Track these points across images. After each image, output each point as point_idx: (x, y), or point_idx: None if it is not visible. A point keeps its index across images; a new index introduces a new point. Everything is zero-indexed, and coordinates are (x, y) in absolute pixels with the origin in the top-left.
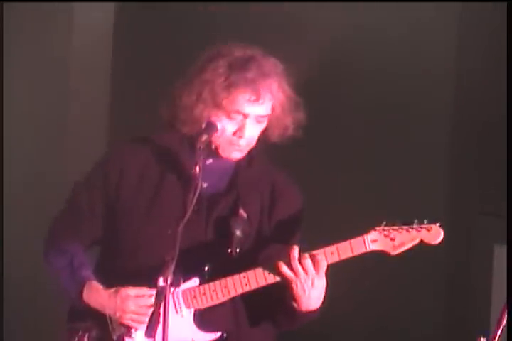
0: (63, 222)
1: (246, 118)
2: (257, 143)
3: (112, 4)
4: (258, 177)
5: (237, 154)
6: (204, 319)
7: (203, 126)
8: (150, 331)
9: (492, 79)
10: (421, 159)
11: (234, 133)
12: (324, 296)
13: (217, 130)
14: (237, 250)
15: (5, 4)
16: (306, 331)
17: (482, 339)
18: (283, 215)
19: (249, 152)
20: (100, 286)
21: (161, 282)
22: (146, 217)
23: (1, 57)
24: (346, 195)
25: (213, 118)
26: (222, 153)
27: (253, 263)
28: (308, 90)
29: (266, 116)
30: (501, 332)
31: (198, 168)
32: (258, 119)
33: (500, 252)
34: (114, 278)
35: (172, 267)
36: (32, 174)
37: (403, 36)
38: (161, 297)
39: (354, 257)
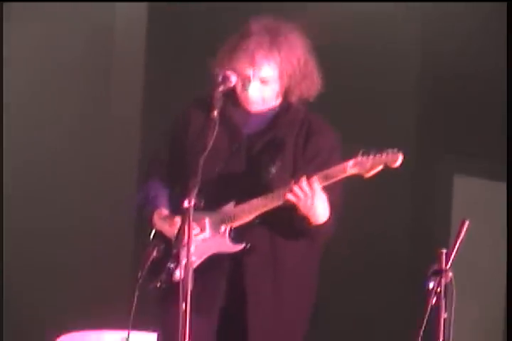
0: (148, 167)
1: (249, 80)
2: (290, 97)
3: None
4: (293, 120)
5: (255, 106)
6: (236, 234)
7: (219, 78)
8: (176, 244)
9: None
10: (394, 105)
11: (242, 92)
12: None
13: (231, 82)
14: (266, 181)
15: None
16: None
17: (443, 250)
18: (316, 150)
19: (287, 103)
20: (165, 213)
21: (185, 204)
22: (201, 154)
23: (1, 58)
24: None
25: (228, 73)
26: (246, 106)
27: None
28: None
29: (269, 77)
30: (459, 245)
31: (215, 113)
32: (262, 80)
33: (459, 181)
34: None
35: (194, 192)
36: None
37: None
38: (185, 215)
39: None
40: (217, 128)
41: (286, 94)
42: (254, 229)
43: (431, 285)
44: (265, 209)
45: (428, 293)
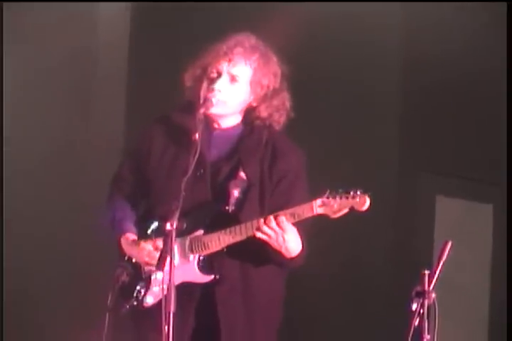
0: (112, 186)
1: (220, 74)
2: (255, 117)
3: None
4: (258, 143)
5: (213, 109)
6: (205, 264)
7: (201, 101)
8: (159, 265)
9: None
10: (376, 125)
11: (206, 90)
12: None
13: (213, 104)
14: (233, 208)
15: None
16: None
17: (426, 271)
18: (282, 174)
19: (251, 123)
20: (132, 237)
21: (168, 226)
22: (168, 177)
23: (1, 58)
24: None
25: (209, 95)
26: (206, 109)
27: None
28: None
29: (240, 77)
30: (441, 266)
31: (197, 136)
32: (233, 77)
33: (441, 201)
34: (144, 225)
35: (176, 215)
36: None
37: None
38: (168, 238)
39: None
40: (198, 151)
41: (252, 111)
42: (224, 258)
43: (414, 306)
44: (234, 240)
45: (411, 314)
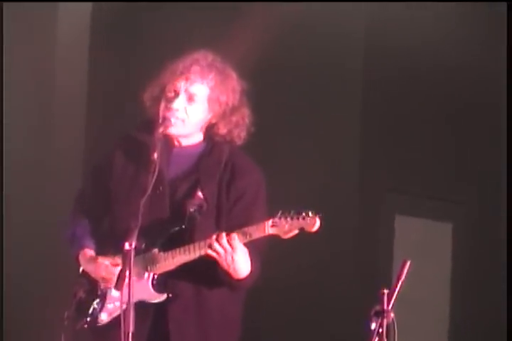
0: (75, 202)
1: (177, 93)
2: (215, 134)
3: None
4: (217, 162)
5: (172, 129)
6: (158, 282)
7: (160, 120)
8: (118, 285)
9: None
10: (337, 146)
11: (164, 109)
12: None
13: (171, 124)
14: (189, 227)
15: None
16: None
17: (385, 290)
18: (239, 194)
19: (212, 140)
20: (90, 254)
21: (126, 246)
22: (127, 194)
23: (1, 57)
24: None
25: (167, 114)
26: (165, 129)
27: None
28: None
29: (198, 96)
30: (400, 285)
31: (155, 155)
32: (190, 97)
33: (401, 220)
34: (104, 242)
35: (135, 234)
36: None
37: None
38: (126, 258)
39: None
40: (157, 170)
41: (211, 128)
42: (178, 277)
43: (373, 325)
44: (187, 259)
45: (370, 333)
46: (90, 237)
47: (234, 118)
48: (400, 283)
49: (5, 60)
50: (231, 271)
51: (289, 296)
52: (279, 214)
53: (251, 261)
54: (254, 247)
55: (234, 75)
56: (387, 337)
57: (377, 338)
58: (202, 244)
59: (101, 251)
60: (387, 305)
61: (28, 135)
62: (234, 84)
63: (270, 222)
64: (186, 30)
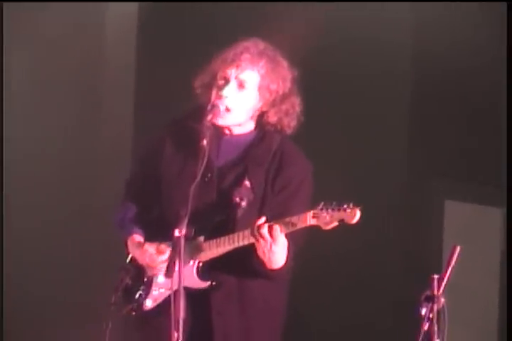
0: (125, 190)
1: (228, 80)
2: (265, 122)
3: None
4: (266, 152)
5: (221, 117)
6: (202, 270)
7: (208, 107)
8: (168, 273)
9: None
10: (385, 129)
11: (215, 97)
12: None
13: (220, 111)
14: (235, 215)
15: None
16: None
17: (435, 275)
18: (284, 183)
19: (263, 129)
20: (138, 239)
21: (177, 233)
22: (177, 181)
23: (1, 57)
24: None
25: (217, 102)
26: (214, 117)
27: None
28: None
29: (248, 82)
30: (450, 271)
31: (205, 142)
32: (241, 83)
33: (450, 205)
34: (153, 228)
35: (185, 221)
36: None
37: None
38: (176, 245)
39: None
40: (206, 157)
41: (262, 117)
42: (221, 265)
43: (423, 311)
44: (231, 248)
45: (421, 319)
46: (139, 223)
47: (284, 107)
48: (450, 268)
49: (58, 53)
50: (266, 260)
51: (339, 284)
52: (320, 205)
53: (289, 252)
54: (292, 239)
55: (285, 63)
56: (437, 322)
57: (427, 323)
58: (246, 233)
59: (149, 238)
60: (438, 291)
61: (77, 124)
62: (285, 73)
63: (312, 213)
64: (232, 24)
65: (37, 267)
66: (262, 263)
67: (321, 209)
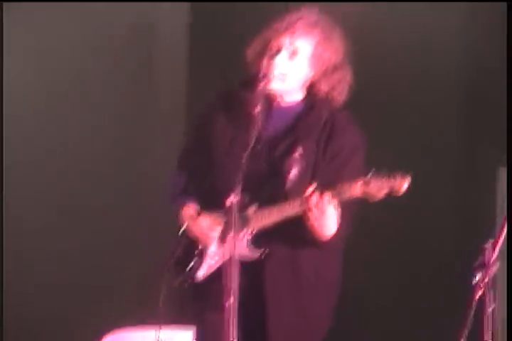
0: (178, 161)
1: (280, 48)
2: (316, 91)
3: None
4: (317, 121)
5: (273, 85)
6: (254, 239)
7: (260, 75)
8: (222, 241)
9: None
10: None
11: (267, 65)
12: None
13: (271, 79)
14: (286, 184)
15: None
16: None
17: (489, 241)
18: (335, 152)
19: (313, 99)
20: (191, 210)
21: (231, 200)
22: (229, 150)
23: (1, 57)
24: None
25: (269, 70)
26: (265, 85)
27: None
28: None
29: (301, 51)
30: (503, 239)
31: (257, 110)
32: (293, 52)
33: (503, 173)
34: (208, 198)
35: (239, 189)
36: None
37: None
38: (230, 212)
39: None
40: (258, 125)
41: (313, 86)
42: (272, 235)
43: (476, 278)
44: (283, 217)
45: (474, 286)
46: (193, 193)
47: (336, 76)
48: (502, 236)
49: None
50: (317, 228)
51: (393, 253)
52: (370, 174)
53: (340, 220)
54: (344, 207)
55: (338, 35)
56: (490, 289)
57: (480, 291)
58: (297, 201)
59: (204, 207)
60: (491, 257)
61: (132, 99)
62: (337, 43)
63: (362, 181)
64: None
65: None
66: (313, 231)
67: (371, 178)
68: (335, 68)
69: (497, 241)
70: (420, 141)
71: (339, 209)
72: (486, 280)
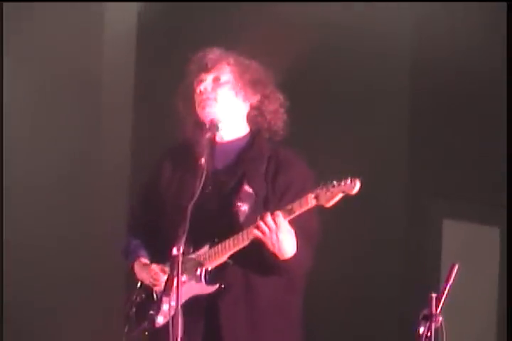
0: (129, 217)
1: (203, 81)
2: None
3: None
4: (260, 154)
5: (206, 110)
6: (210, 275)
7: (207, 126)
8: (166, 291)
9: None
10: (384, 150)
11: (198, 100)
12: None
13: (218, 129)
14: (239, 221)
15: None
16: None
17: (433, 294)
18: (286, 185)
19: (252, 134)
20: (143, 262)
21: (174, 251)
22: (176, 203)
23: (1, 57)
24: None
25: (215, 120)
26: (202, 111)
27: None
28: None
29: (222, 77)
30: (449, 288)
31: (203, 160)
32: (215, 79)
33: (448, 224)
34: (158, 250)
35: (183, 239)
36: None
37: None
38: (174, 263)
39: None
40: (204, 175)
41: (251, 120)
42: (228, 269)
43: (421, 329)
44: (236, 248)
45: (418, 337)
46: (145, 248)
47: (271, 108)
48: (448, 286)
49: (52, 57)
50: (276, 250)
51: (334, 299)
52: (320, 185)
53: (300, 248)
54: (304, 235)
55: (254, 63)
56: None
57: None
58: (249, 229)
59: (155, 260)
60: (436, 309)
61: (76, 135)
62: (259, 73)
63: (312, 194)
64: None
65: (37, 271)
66: (272, 254)
67: (321, 188)
68: (266, 98)
69: (442, 293)
70: (369, 187)
71: (298, 237)
72: (431, 332)
